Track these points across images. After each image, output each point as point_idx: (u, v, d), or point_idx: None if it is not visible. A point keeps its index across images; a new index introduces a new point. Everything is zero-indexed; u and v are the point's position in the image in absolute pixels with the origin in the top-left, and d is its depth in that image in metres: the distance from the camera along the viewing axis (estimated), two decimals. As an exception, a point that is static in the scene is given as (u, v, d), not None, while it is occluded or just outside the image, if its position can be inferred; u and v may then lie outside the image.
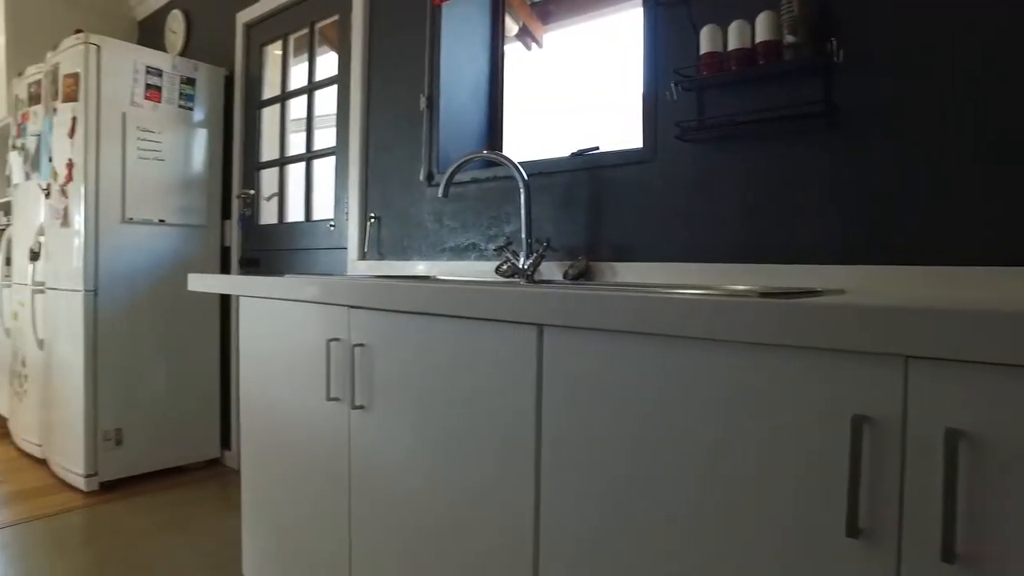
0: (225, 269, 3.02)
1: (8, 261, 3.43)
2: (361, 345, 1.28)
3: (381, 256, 2.27)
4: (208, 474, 2.88)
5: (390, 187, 2.26)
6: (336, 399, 1.35)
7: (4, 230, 3.54)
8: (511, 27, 2.33)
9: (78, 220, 2.56)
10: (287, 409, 1.52)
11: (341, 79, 2.44)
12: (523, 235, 1.64)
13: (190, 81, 2.79)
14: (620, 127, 1.98)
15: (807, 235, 1.32)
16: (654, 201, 1.55)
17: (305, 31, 2.68)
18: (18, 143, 3.12)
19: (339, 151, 2.46)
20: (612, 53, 2.23)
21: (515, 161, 1.65)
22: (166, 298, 2.79)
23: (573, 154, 1.77)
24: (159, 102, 2.70)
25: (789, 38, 1.27)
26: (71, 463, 2.66)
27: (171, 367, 2.82)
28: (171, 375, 2.82)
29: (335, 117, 2.49)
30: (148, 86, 2.65)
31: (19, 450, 3.22)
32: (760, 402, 0.75)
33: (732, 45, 1.35)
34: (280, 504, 1.57)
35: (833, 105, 1.27)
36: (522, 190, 1.64)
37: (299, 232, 2.67)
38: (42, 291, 2.88)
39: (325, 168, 2.64)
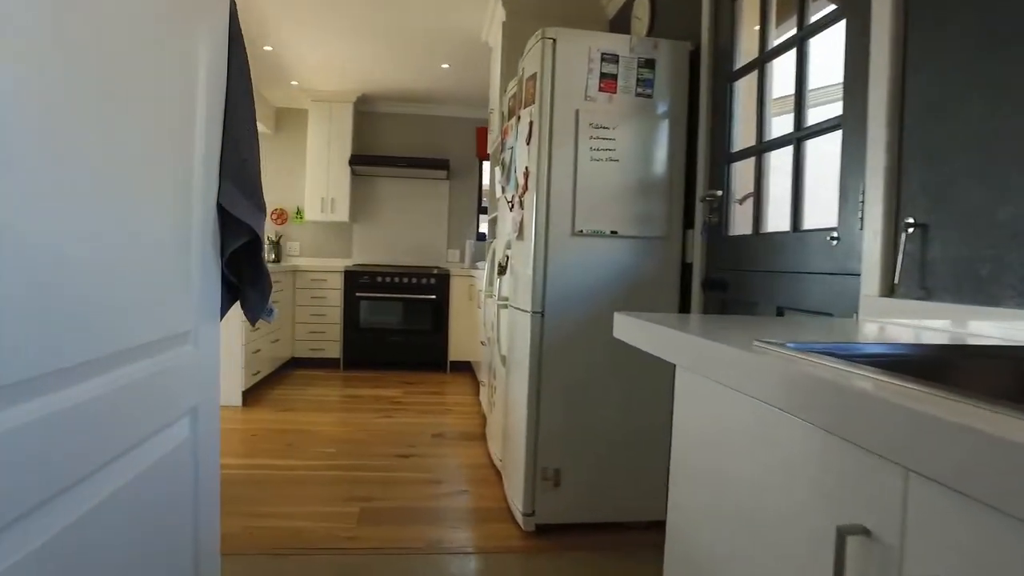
0: (685, 293, 2.46)
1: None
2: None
3: (926, 292, 1.32)
4: (649, 539, 2.35)
5: (947, 172, 1.29)
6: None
7: (492, 243, 3.76)
8: None
9: (530, 234, 2.34)
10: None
11: (851, 7, 1.57)
12: None
13: (649, 64, 2.30)
14: None
15: None
16: None
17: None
18: (500, 157, 3.19)
19: (847, 124, 1.59)
20: None
21: None
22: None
23: None
24: (614, 93, 2.28)
25: None
26: (515, 495, 2.49)
27: (617, 407, 2.39)
28: (616, 416, 2.39)
29: (830, 90, 1.63)
30: (603, 75, 2.26)
31: (489, 457, 3.31)
32: None
33: None
34: None
35: None
36: None
37: (781, 247, 1.90)
38: (506, 307, 2.83)
39: (822, 155, 1.81)
